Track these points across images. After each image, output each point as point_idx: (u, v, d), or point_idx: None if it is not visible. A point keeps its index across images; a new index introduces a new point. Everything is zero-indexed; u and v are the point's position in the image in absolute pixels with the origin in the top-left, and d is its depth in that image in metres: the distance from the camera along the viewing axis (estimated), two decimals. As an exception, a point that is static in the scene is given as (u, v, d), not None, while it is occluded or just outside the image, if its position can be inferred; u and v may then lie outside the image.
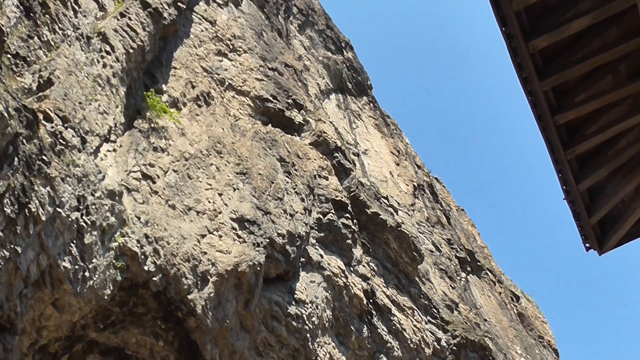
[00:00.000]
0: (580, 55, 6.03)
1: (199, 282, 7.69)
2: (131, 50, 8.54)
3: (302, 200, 10.68)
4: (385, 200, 14.52)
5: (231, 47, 12.02)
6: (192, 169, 8.73)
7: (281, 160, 10.88)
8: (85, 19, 7.98)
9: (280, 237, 9.45)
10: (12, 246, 5.29)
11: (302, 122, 12.52)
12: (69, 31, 7.43)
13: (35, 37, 6.74)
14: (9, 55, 6.20)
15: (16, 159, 5.45)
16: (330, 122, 14.07)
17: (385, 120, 19.17)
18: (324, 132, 12.71)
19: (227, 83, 11.23)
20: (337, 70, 17.85)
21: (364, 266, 11.64)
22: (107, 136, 7.47)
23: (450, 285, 15.13)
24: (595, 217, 7.14)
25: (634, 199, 7.05)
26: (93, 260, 6.45)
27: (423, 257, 13.73)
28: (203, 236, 8.13)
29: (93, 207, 6.56)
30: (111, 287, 6.74)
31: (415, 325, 12.31)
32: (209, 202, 8.60)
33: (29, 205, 5.49)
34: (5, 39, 6.06)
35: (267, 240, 9.11)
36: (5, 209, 5.21)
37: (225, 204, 8.84)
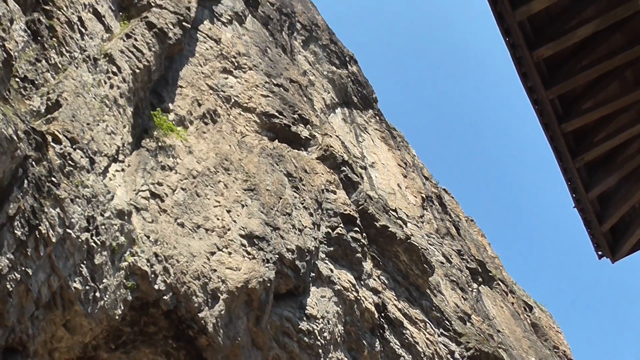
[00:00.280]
0: (586, 63, 6.03)
1: (209, 300, 7.67)
2: (137, 71, 8.61)
3: (311, 215, 10.67)
4: (394, 213, 14.48)
5: (236, 64, 12.10)
6: (200, 187, 8.75)
7: (288, 175, 10.89)
8: (92, 41, 8.07)
9: (290, 253, 9.43)
10: (23, 268, 5.31)
11: (308, 136, 12.55)
12: (76, 53, 7.51)
13: (43, 61, 6.82)
14: (17, 79, 6.27)
15: (26, 181, 5.49)
16: (337, 136, 14.09)
17: (392, 133, 19.18)
18: (331, 146, 12.73)
19: (233, 100, 11.30)
20: (342, 84, 17.92)
21: (374, 280, 11.58)
22: (115, 156, 7.52)
23: (462, 297, 15.01)
24: (606, 224, 7.08)
25: (646, 205, 6.99)
26: (103, 281, 6.46)
27: (434, 269, 13.65)
28: (212, 253, 8.12)
29: (102, 227, 6.57)
30: (122, 307, 6.73)
31: (428, 338, 12.20)
32: (218, 219, 8.61)
33: (39, 227, 5.52)
34: (14, 63, 6.14)
35: (277, 256, 9.09)
36: (15, 231, 5.24)
37: (234, 221, 8.84)
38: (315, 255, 10.37)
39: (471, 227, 22.30)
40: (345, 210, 11.64)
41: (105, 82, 7.86)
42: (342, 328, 10.20)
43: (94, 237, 6.38)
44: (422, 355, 11.68)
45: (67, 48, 7.33)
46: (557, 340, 20.66)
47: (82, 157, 6.65)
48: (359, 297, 10.71)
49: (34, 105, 6.45)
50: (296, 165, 11.36)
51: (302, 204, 10.65)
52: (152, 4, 9.98)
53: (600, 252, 7.42)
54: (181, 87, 10.09)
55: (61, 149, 6.35)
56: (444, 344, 12.62)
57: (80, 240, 6.13)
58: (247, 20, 14.04)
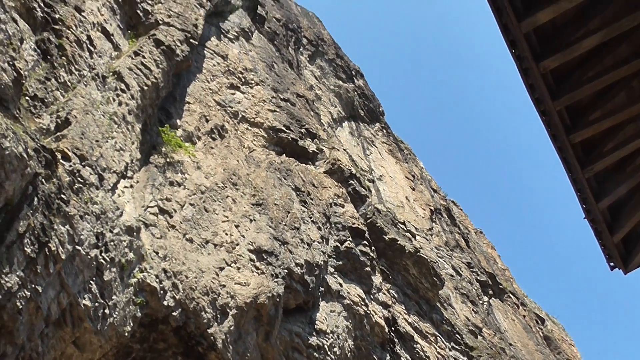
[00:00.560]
0: (592, 74, 6.02)
1: (218, 316, 7.65)
2: (145, 88, 8.69)
3: (319, 228, 10.65)
4: (403, 226, 14.43)
5: (243, 80, 12.18)
6: (209, 202, 8.77)
7: (296, 189, 10.90)
8: (101, 59, 8.16)
9: (299, 267, 9.41)
10: (33, 286, 5.33)
11: (315, 150, 12.58)
12: (85, 71, 7.59)
13: (53, 79, 6.90)
14: (27, 98, 6.34)
15: (36, 198, 5.52)
16: (344, 150, 14.11)
17: (399, 146, 19.18)
18: (338, 160, 12.74)
19: (240, 115, 11.35)
20: (349, 98, 17.98)
21: (384, 293, 11.51)
22: (124, 172, 7.56)
23: (473, 310, 14.88)
24: (618, 235, 7.02)
25: (657, 215, 6.92)
26: (113, 297, 6.46)
27: (443, 282, 13.56)
28: (221, 269, 8.11)
29: (112, 243, 6.59)
30: (131, 324, 6.72)
31: (439, 352, 12.08)
32: (226, 234, 8.61)
33: (49, 244, 5.54)
34: (24, 82, 6.21)
35: (286, 270, 9.07)
36: (25, 248, 5.26)
37: (243, 236, 8.84)
38: (324, 269, 10.34)
39: (480, 239, 22.17)
40: (354, 223, 11.61)
41: (114, 100, 7.92)
42: (352, 343, 10.12)
43: (103, 254, 6.40)
44: (433, 370, 11.56)
45: (76, 66, 7.41)
46: (570, 354, 20.40)
47: (91, 173, 6.69)
48: (368, 312, 10.64)
49: (44, 123, 6.51)
50: (304, 179, 11.37)
51: (311, 218, 10.63)
52: (160, 22, 10.09)
53: (612, 264, 7.34)
54: (189, 103, 10.16)
55: (70, 166, 6.40)
56: (455, 358, 12.49)
57: (89, 256, 6.14)
58: (254, 36, 14.15)
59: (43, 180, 5.70)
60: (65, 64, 7.22)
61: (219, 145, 10.11)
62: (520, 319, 18.27)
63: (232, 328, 7.75)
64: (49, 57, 6.94)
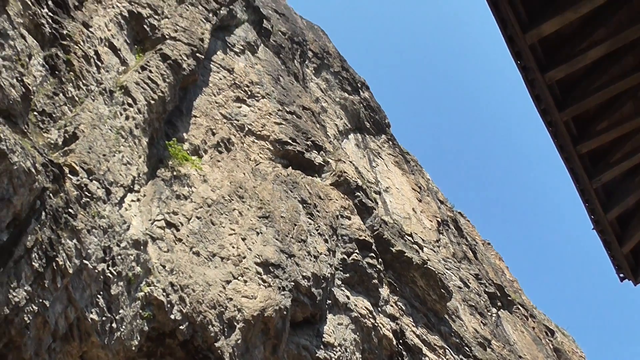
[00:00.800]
0: (599, 84, 6.01)
1: (225, 329, 7.63)
2: (152, 102, 8.74)
3: (326, 241, 10.63)
4: (410, 238, 14.38)
5: (249, 93, 12.24)
6: (215, 215, 8.78)
7: (303, 202, 10.89)
8: (108, 73, 8.23)
9: (306, 280, 9.38)
10: (41, 300, 5.33)
11: (322, 163, 12.59)
12: (93, 86, 7.65)
13: (61, 94, 6.95)
14: (35, 113, 6.39)
15: (43, 213, 5.54)
16: (350, 162, 14.11)
17: (405, 157, 19.17)
18: (345, 172, 12.74)
19: (246, 128, 11.39)
20: (355, 110, 18.02)
21: (391, 306, 11.45)
22: (131, 186, 7.58)
23: (482, 322, 14.76)
24: (627, 246, 6.97)
25: (666, 226, 6.87)
26: (120, 311, 6.45)
27: (451, 293, 13.47)
28: (228, 282, 8.10)
29: (119, 257, 6.60)
30: (138, 338, 6.71)
31: (447, 365, 11.97)
32: (233, 247, 8.60)
33: (57, 259, 5.55)
34: (32, 97, 6.27)
35: (293, 283, 9.04)
36: (33, 263, 5.28)
37: (249, 249, 8.83)
38: (331, 282, 10.30)
39: (488, 251, 22.05)
40: (361, 235, 11.58)
41: (121, 114, 7.98)
42: (360, 356, 10.06)
43: (110, 268, 6.41)
44: (442, 383, 11.45)
45: (84, 81, 7.47)
46: (580, 366, 20.17)
47: (98, 187, 6.72)
48: (376, 324, 10.58)
49: (52, 138, 6.56)
50: (310, 191, 11.37)
51: (317, 230, 10.62)
52: (167, 37, 10.17)
53: (622, 275, 7.28)
54: (195, 116, 10.21)
55: (78, 180, 6.43)
56: (464, 371, 12.38)
57: (96, 270, 6.15)
58: (260, 49, 14.24)
59: (51, 194, 5.73)
60: (73, 79, 7.29)
61: (225, 158, 10.14)
62: (529, 330, 18.11)
63: (239, 342, 7.72)
64: (57, 72, 7.00)
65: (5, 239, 5.09)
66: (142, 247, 7.11)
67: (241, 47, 13.30)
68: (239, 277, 8.31)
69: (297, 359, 8.86)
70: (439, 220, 17.10)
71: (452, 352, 12.48)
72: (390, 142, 18.84)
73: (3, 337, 5.02)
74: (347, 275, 10.82)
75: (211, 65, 11.70)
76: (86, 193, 6.45)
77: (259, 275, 8.60)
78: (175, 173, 8.63)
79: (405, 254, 12.74)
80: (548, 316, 22.04)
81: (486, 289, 16.94)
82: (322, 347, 9.25)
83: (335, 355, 9.34)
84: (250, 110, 11.86)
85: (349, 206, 12.13)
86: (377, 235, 12.49)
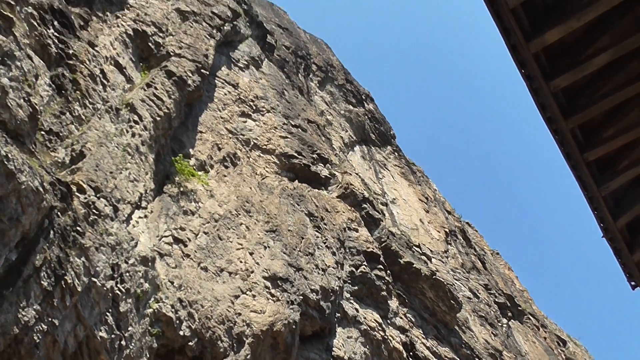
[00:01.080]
0: (604, 92, 6.00)
1: (234, 345, 7.60)
2: (158, 118, 8.79)
3: (334, 254, 10.59)
4: (418, 249, 14.32)
5: (254, 107, 12.29)
6: (223, 230, 8.78)
7: (310, 215, 10.88)
8: (114, 91, 8.29)
9: (314, 293, 9.34)
10: (50, 319, 5.33)
11: (328, 175, 12.59)
12: (99, 105, 7.71)
13: (67, 113, 7.01)
14: (42, 132, 6.44)
15: (52, 231, 5.56)
16: (357, 174, 14.11)
17: (411, 168, 19.15)
18: (351, 184, 12.73)
19: (252, 143, 11.43)
20: (360, 122, 18.05)
21: (401, 318, 11.37)
22: (138, 203, 7.60)
23: (492, 333, 14.63)
24: (637, 253, 6.91)
25: (677, 232, 6.81)
26: (129, 328, 6.44)
27: (461, 304, 13.37)
28: (237, 297, 8.08)
29: (127, 274, 6.60)
30: (147, 355, 6.69)
31: (459, 377, 11.86)
32: (241, 262, 8.59)
33: (65, 277, 5.56)
34: (39, 117, 6.31)
35: (301, 297, 9.01)
36: (42, 281, 5.28)
37: (257, 263, 8.82)
38: (340, 295, 10.25)
39: (497, 260, 21.91)
40: (368, 247, 11.54)
41: (127, 131, 8.02)
42: (370, 369, 9.98)
43: (118, 285, 6.40)
44: (454, 395, 11.33)
45: (90, 100, 7.53)
46: (594, 375, 19.92)
47: (106, 205, 6.74)
48: (386, 337, 10.51)
49: (59, 157, 6.59)
50: (317, 204, 11.36)
51: (325, 243, 10.59)
52: (171, 53, 10.25)
53: (633, 283, 7.21)
54: (201, 132, 10.25)
55: (85, 198, 6.45)
56: (476, 383, 12.25)
57: (105, 288, 6.15)
58: (264, 64, 14.32)
59: (59, 213, 5.75)
60: (80, 97, 7.34)
61: (231, 173, 10.16)
62: (541, 341, 17.93)
63: (248, 357, 7.68)
64: (63, 91, 7.06)
65: (14, 258, 5.10)
66: (150, 264, 7.11)
67: (245, 62, 13.38)
68: (248, 292, 8.28)
69: (307, 374, 8.80)
70: (447, 230, 17.03)
71: (463, 363, 12.36)
72: (396, 153, 18.84)
73: (13, 357, 5.01)
74: (356, 287, 10.77)
75: (216, 81, 11.77)
76: (94, 211, 6.47)
77: (267, 290, 8.58)
78: (182, 189, 8.65)
79: (414, 265, 12.68)
80: (559, 326, 21.83)
81: (496, 299, 16.82)
82: (332, 361, 9.19)
83: (345, 369, 9.28)
84: (255, 125, 11.90)
85: (356, 218, 12.10)
86: (385, 246, 12.44)
